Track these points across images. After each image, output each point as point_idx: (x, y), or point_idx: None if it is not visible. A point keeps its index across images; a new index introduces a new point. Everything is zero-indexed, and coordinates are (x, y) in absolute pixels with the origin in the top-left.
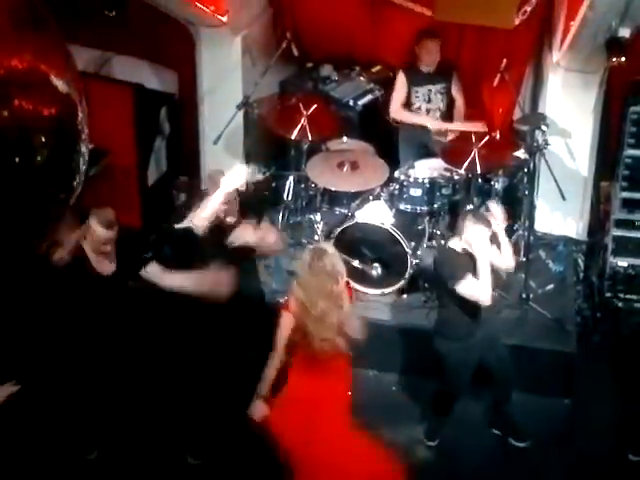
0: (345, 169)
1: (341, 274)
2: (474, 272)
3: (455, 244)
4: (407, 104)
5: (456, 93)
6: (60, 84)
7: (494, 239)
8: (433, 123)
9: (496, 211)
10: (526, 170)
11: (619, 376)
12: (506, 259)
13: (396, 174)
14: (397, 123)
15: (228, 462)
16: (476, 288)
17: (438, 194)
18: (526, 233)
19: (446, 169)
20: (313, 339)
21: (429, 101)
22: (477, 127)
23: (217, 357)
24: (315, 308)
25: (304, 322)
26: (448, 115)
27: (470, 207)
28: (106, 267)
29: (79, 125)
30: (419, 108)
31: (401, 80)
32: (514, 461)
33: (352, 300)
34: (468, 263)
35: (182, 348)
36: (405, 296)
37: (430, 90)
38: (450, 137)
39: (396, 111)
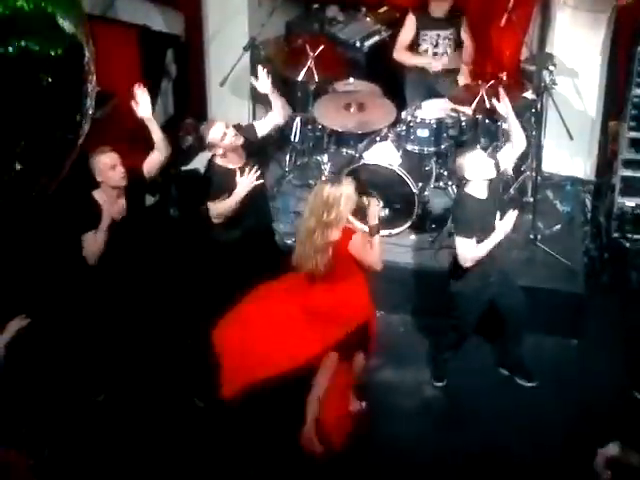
0: (352, 110)
1: (337, 207)
2: (486, 220)
3: (473, 189)
4: (414, 46)
5: (465, 37)
6: (66, 25)
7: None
8: (433, 64)
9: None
10: (533, 110)
11: (627, 316)
12: (518, 140)
13: (403, 115)
14: (396, 65)
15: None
16: (470, 252)
17: (445, 135)
18: (534, 173)
19: (453, 110)
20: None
21: (436, 45)
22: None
23: (223, 294)
24: (306, 222)
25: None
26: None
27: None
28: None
29: (86, 66)
30: (425, 51)
31: (410, 22)
32: (520, 401)
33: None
34: (483, 214)
35: (189, 285)
36: (413, 237)
37: (438, 35)
38: (462, 82)
39: (398, 52)
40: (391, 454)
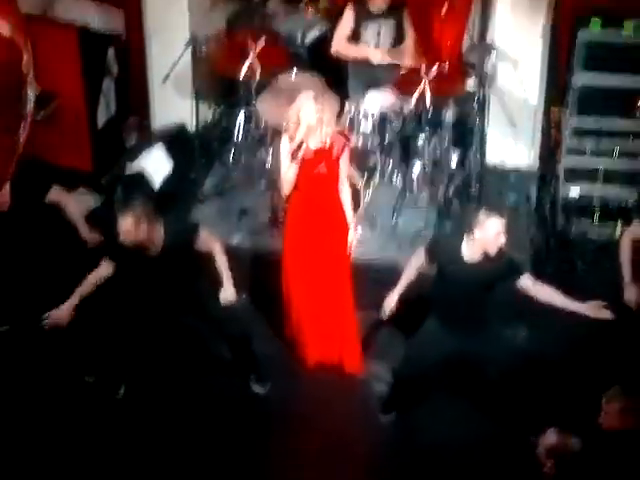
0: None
1: None
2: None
3: (466, 248)
4: (356, 40)
5: (407, 29)
6: (4, 28)
7: None
8: (375, 56)
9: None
10: (476, 100)
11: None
12: None
13: (346, 108)
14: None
15: None
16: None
17: (388, 127)
18: (478, 163)
19: (396, 101)
20: None
21: (378, 38)
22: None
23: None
24: None
25: None
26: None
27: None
28: None
29: (24, 69)
30: (367, 44)
31: (348, 16)
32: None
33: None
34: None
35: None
36: (360, 230)
37: (379, 26)
38: (403, 71)
39: (338, 45)
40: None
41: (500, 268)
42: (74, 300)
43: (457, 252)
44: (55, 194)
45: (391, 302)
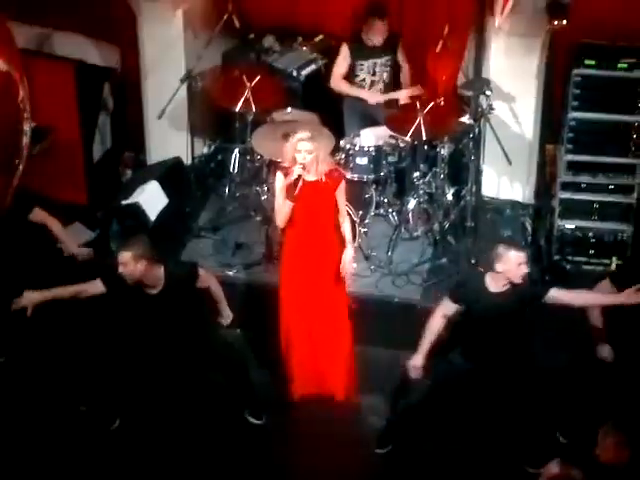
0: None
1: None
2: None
3: (491, 281)
4: (351, 76)
5: (402, 63)
6: (0, 63)
7: None
8: (371, 97)
9: None
10: (471, 135)
11: (568, 338)
12: None
13: (342, 143)
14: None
15: None
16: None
17: (384, 162)
18: (473, 198)
19: (391, 137)
20: None
21: (373, 74)
22: (413, 92)
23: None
24: None
25: None
26: (393, 86)
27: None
28: None
29: (21, 104)
30: (363, 80)
31: (344, 53)
32: None
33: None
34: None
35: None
36: (354, 265)
37: (375, 63)
38: (403, 102)
39: (335, 82)
40: None
41: (528, 290)
42: (48, 294)
43: (482, 287)
44: (37, 214)
45: (417, 363)
